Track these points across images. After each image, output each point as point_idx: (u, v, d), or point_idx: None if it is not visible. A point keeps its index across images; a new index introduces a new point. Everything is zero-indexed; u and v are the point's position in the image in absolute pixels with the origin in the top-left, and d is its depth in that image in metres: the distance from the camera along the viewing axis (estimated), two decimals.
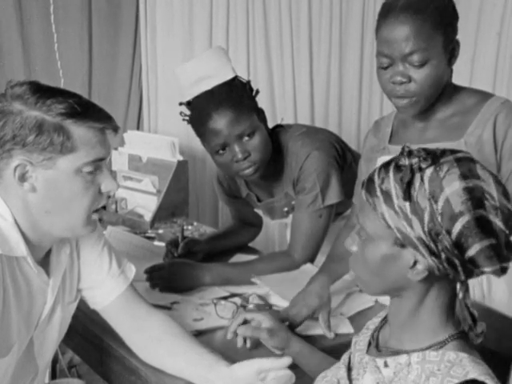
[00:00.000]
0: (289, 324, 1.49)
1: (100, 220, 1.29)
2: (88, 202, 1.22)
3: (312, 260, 1.88)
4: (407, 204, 0.94)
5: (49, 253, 1.31)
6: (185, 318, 1.59)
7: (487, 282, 1.54)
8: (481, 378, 0.92)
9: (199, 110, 1.78)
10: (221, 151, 1.78)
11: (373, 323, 1.17)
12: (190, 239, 2.06)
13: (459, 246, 0.93)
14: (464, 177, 0.93)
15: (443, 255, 0.94)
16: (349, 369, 1.12)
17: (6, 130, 1.14)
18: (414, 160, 0.96)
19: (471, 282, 1.49)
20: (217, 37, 3.21)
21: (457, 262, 0.94)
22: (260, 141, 1.78)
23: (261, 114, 1.84)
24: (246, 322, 1.45)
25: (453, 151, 0.98)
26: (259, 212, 2.11)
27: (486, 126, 1.47)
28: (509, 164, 1.45)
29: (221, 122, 1.73)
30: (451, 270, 0.95)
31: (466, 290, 0.99)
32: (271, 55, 3.33)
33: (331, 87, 3.48)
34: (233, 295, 1.74)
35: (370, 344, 1.11)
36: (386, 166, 1.00)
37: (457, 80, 1.56)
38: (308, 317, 1.53)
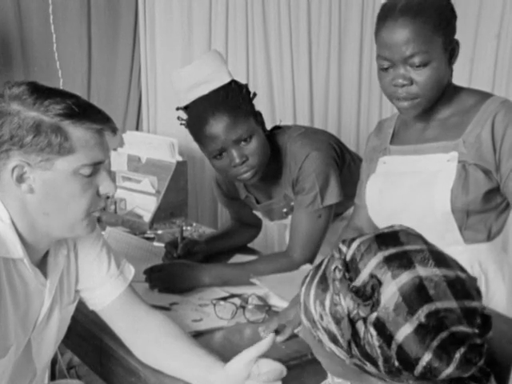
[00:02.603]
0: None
1: (99, 220, 1.29)
2: (86, 203, 1.21)
3: (311, 260, 1.87)
4: (356, 349, 0.83)
5: (46, 254, 1.31)
6: (184, 319, 1.59)
7: (485, 282, 1.54)
8: None
9: (196, 116, 1.77)
10: (218, 156, 1.77)
11: None
12: (190, 240, 2.06)
13: (428, 374, 0.81)
14: (411, 308, 0.79)
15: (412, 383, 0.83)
16: None
17: (4, 131, 1.14)
18: (351, 306, 0.82)
19: None
20: (216, 38, 3.21)
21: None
22: (257, 145, 1.77)
23: (258, 117, 1.83)
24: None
25: (384, 263, 0.83)
26: (258, 214, 2.10)
27: (485, 125, 1.47)
28: (508, 163, 1.45)
29: (217, 127, 1.72)
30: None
31: None
32: (270, 57, 3.32)
33: (330, 88, 3.48)
34: (232, 296, 1.74)
35: None
36: (320, 293, 0.86)
37: (456, 80, 1.56)
38: None
